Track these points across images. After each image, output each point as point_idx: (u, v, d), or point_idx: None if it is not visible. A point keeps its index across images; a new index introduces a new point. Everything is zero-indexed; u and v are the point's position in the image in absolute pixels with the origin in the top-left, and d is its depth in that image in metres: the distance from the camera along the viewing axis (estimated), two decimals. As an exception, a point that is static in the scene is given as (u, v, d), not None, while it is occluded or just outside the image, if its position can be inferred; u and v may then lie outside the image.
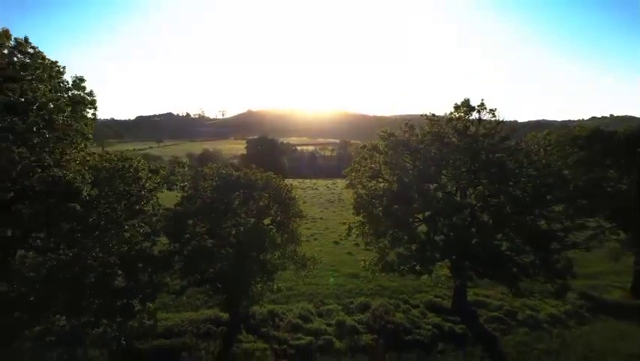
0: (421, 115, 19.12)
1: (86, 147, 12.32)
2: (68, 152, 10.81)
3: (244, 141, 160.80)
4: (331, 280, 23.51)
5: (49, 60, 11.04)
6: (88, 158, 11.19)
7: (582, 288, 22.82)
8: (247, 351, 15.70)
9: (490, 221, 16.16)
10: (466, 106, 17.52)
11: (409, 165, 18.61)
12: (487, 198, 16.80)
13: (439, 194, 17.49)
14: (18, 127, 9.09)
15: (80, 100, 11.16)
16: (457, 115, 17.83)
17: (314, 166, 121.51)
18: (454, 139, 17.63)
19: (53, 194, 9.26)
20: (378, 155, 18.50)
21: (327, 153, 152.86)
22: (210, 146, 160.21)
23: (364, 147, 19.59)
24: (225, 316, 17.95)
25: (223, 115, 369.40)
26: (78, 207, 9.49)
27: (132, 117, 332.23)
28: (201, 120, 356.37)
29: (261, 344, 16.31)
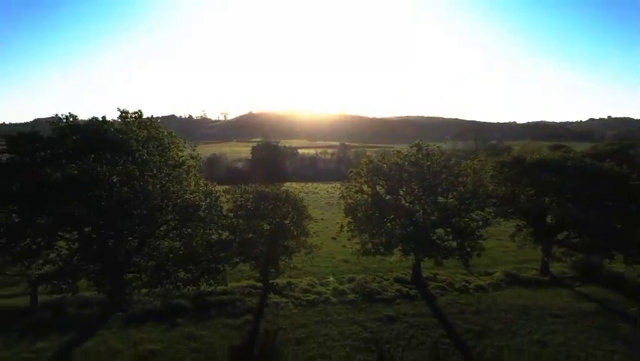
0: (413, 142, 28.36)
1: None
2: (191, 183, 20.09)
3: (246, 143, 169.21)
4: (331, 278, 31.20)
5: (164, 130, 20.21)
6: (198, 186, 20.41)
7: (510, 270, 32.05)
8: (275, 302, 24.95)
9: (428, 221, 25.49)
10: (416, 146, 26.95)
11: (381, 182, 27.82)
12: (425, 206, 26.16)
13: (400, 203, 26.77)
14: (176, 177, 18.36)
15: (195, 156, 20.45)
16: (411, 152, 27.15)
17: (315, 168, 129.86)
18: (409, 168, 26.86)
19: (190, 207, 18.40)
20: (360, 177, 27.73)
21: (327, 157, 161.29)
22: (214, 148, 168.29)
23: (351, 171, 28.85)
24: (259, 284, 27.18)
25: (225, 117, 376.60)
26: (202, 213, 18.71)
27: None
28: (203, 122, 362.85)
29: (284, 299, 25.52)
